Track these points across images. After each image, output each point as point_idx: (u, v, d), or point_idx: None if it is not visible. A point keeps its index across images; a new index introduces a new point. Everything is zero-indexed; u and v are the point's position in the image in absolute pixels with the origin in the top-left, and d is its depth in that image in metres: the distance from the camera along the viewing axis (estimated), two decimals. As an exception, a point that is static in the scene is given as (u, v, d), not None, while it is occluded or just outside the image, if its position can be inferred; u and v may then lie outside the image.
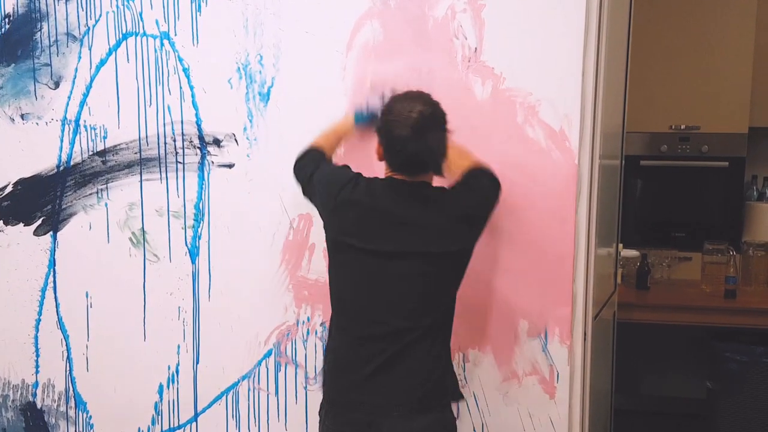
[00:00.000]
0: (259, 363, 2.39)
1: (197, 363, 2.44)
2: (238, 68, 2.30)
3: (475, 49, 2.15)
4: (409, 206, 1.88)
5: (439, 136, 1.86)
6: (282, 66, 2.28)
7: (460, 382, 2.21)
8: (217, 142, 2.34)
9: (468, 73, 2.16)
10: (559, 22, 2.09)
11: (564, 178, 2.12)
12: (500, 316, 2.19)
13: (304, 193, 2.09)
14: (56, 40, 2.42)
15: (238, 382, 2.41)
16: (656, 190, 3.87)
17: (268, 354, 2.38)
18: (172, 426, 2.47)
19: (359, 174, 1.97)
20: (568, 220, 2.13)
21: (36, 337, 2.54)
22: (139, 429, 2.50)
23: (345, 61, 2.23)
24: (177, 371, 2.45)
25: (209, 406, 2.44)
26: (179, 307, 2.43)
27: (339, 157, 2.21)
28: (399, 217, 1.87)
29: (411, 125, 1.81)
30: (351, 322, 1.93)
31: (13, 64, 2.45)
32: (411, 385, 1.88)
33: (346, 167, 2.03)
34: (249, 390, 2.40)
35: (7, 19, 2.43)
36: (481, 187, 1.95)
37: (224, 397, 2.42)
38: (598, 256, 2.30)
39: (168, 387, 2.46)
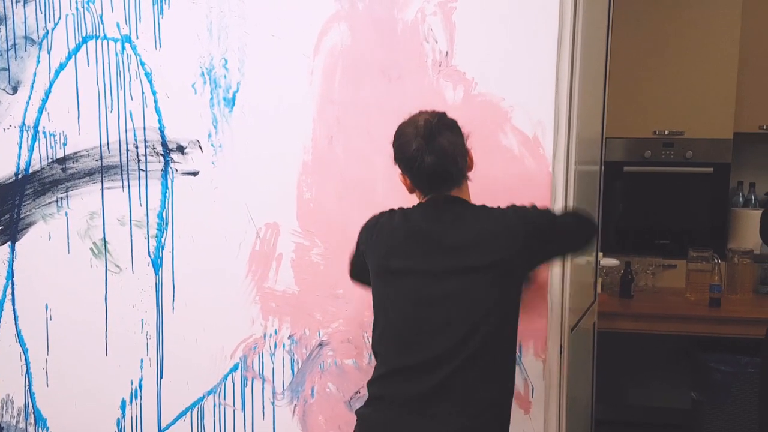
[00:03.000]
0: (225, 377, 2.32)
1: (161, 378, 2.37)
2: (203, 72, 2.24)
3: (446, 53, 2.09)
4: (442, 221, 1.78)
5: (452, 138, 1.76)
6: (247, 70, 2.21)
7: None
8: (180, 149, 2.27)
9: (439, 78, 2.10)
10: (533, 26, 2.03)
11: (538, 186, 2.06)
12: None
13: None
14: (14, 44, 2.35)
15: (204, 397, 2.34)
16: (640, 197, 3.81)
17: (234, 368, 2.31)
18: (135, 443, 2.40)
19: (390, 210, 1.88)
20: (543, 229, 2.06)
21: (-6, 351, 2.47)
22: (102, 446, 2.43)
23: (312, 64, 2.17)
24: (140, 386, 2.38)
25: (173, 422, 2.37)
26: (142, 320, 2.36)
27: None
28: (433, 234, 1.77)
29: (420, 135, 1.74)
30: (389, 351, 1.80)
31: (-31, 69, 2.39)
32: (451, 426, 1.71)
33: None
34: (214, 405, 2.34)
35: (-37, 22, 2.36)
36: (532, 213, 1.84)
37: (189, 413, 2.36)
38: (576, 266, 2.24)
39: (131, 403, 2.39)
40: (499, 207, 1.83)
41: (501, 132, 2.07)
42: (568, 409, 2.18)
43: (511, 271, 1.78)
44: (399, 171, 1.83)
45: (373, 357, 1.90)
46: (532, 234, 1.79)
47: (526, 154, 2.06)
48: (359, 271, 1.95)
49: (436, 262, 1.75)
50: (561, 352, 2.14)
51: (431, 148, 1.73)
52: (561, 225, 1.90)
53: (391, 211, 1.87)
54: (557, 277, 2.10)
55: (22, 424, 2.47)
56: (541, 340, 2.11)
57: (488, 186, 2.05)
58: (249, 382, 2.30)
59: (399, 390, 1.76)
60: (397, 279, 1.79)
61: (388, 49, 2.12)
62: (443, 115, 1.79)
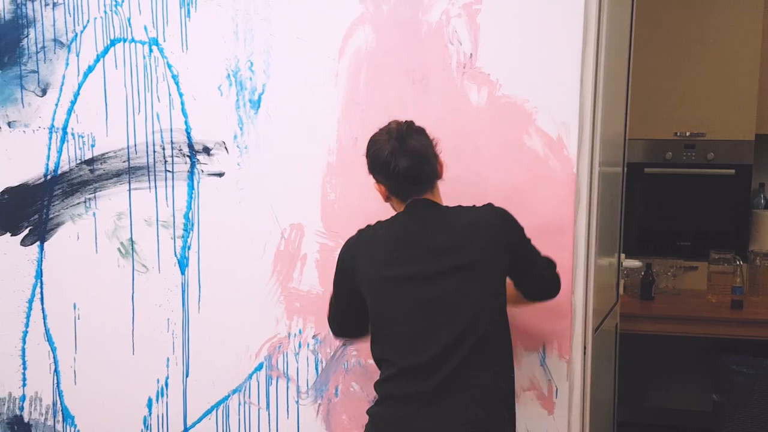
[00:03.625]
0: (250, 376, 2.33)
1: (187, 376, 2.39)
2: (228, 75, 2.26)
3: (471, 54, 2.09)
4: (427, 227, 1.84)
5: (422, 140, 1.85)
6: (273, 72, 2.23)
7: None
8: (206, 151, 2.30)
9: (463, 80, 2.11)
10: (557, 27, 2.03)
11: (562, 187, 2.06)
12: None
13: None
14: (43, 47, 2.37)
15: (229, 396, 2.36)
16: (661, 198, 3.80)
17: (259, 367, 2.32)
18: (161, 441, 2.43)
19: (367, 226, 1.93)
20: (567, 230, 2.07)
21: (23, 349, 2.49)
22: (127, 443, 2.45)
23: (337, 67, 2.19)
24: (166, 385, 2.40)
25: (199, 420, 2.39)
26: (168, 319, 2.38)
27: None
28: (420, 240, 1.83)
29: (393, 137, 1.82)
30: (395, 354, 1.85)
31: (-1, 71, 2.42)
32: (464, 416, 1.79)
33: None
34: (239, 404, 2.35)
35: (-7, 26, 2.40)
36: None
37: (214, 412, 2.37)
38: (599, 267, 2.24)
39: (157, 401, 2.41)
40: (474, 206, 1.89)
41: (525, 133, 2.08)
42: (591, 410, 2.19)
43: (496, 267, 1.85)
44: (374, 183, 1.90)
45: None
46: (515, 236, 1.88)
47: (550, 156, 2.06)
48: (347, 304, 1.94)
49: (428, 266, 1.82)
50: (584, 353, 2.14)
51: (404, 149, 1.81)
52: (536, 256, 1.93)
53: (369, 226, 1.92)
54: (581, 278, 2.09)
55: (50, 422, 2.50)
56: (565, 341, 2.11)
57: (513, 187, 2.07)
58: (274, 381, 2.32)
59: (410, 387, 1.81)
60: (392, 286, 1.84)
61: (412, 51, 2.13)
62: (411, 122, 1.88)
